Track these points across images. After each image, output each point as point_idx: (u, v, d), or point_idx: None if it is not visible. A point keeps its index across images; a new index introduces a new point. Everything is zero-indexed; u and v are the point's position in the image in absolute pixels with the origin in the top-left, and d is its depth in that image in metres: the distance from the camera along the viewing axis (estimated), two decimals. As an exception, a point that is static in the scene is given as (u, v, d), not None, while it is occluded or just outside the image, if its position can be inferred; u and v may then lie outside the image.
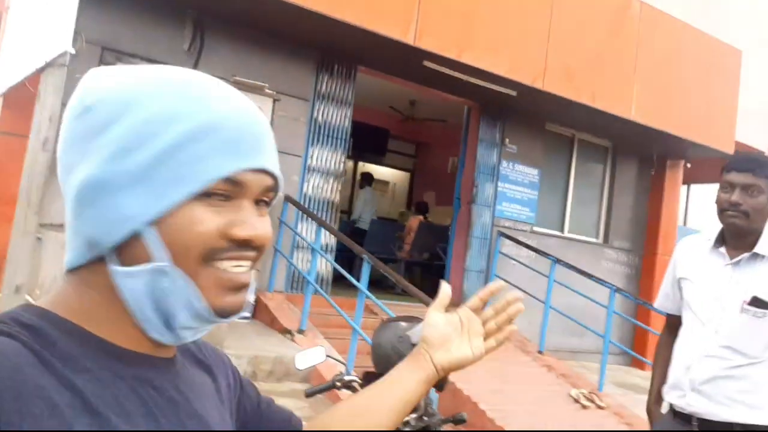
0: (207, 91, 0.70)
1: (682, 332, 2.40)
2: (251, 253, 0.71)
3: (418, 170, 12.99)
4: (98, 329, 0.68)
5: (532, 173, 8.55)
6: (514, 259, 7.94)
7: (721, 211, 2.27)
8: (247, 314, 6.16)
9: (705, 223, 10.57)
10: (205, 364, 0.83)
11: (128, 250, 0.66)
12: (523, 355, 6.88)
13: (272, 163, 0.72)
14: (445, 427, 2.08)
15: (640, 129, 8.11)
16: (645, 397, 2.66)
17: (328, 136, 6.99)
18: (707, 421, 2.22)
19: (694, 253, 2.43)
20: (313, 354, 2.22)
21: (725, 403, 2.19)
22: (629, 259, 9.46)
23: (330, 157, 7.00)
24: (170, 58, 6.02)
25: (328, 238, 6.85)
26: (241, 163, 0.68)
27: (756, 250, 2.24)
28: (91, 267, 0.69)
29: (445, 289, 1.04)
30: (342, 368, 3.85)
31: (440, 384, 2.05)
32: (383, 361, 2.06)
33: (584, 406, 5.90)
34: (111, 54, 5.76)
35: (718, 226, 2.35)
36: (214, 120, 0.67)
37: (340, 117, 7.06)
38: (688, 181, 10.59)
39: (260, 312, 6.28)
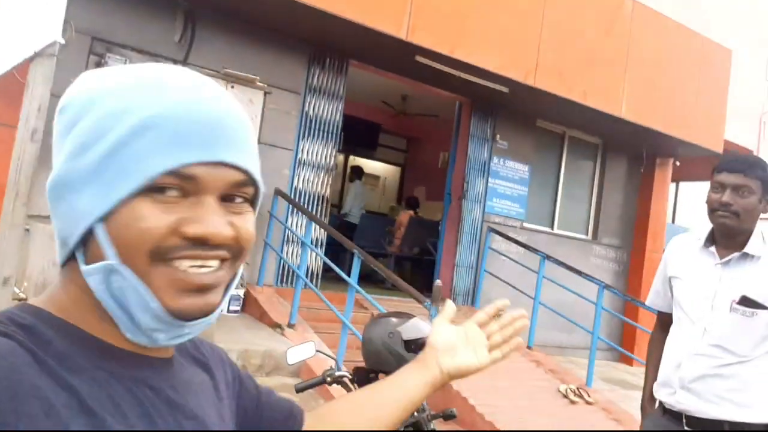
0: (164, 85, 0.67)
1: (672, 330, 2.42)
2: (214, 252, 0.67)
3: (409, 165, 12.99)
4: (91, 328, 0.67)
5: (522, 169, 8.57)
6: (503, 255, 7.97)
7: (712, 211, 2.28)
8: (237, 308, 6.15)
9: (694, 221, 10.66)
10: (203, 362, 0.83)
11: (91, 247, 0.66)
12: (512, 351, 6.90)
13: (236, 157, 0.68)
14: (435, 423, 2.08)
15: (630, 127, 8.15)
16: (633, 393, 2.69)
17: (319, 130, 6.97)
18: (696, 418, 2.24)
19: (684, 252, 2.44)
20: (303, 349, 2.23)
21: (714, 401, 2.21)
22: (618, 255, 9.51)
23: (321, 151, 6.99)
24: (161, 50, 5.98)
25: (318, 232, 6.85)
26: (187, 157, 0.65)
27: (746, 250, 2.26)
28: (74, 264, 0.69)
29: (449, 304, 1.09)
30: (332, 363, 3.84)
31: (449, 414, 2.08)
32: (373, 356, 2.07)
33: (573, 402, 5.94)
34: (101, 44, 5.71)
35: (707, 224, 2.36)
36: (163, 113, 0.65)
37: (331, 111, 7.04)
38: (677, 178, 10.66)
39: (250, 306, 6.27)
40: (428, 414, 2.05)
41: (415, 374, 0.99)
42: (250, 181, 0.70)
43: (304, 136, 6.87)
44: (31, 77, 4.79)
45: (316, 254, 6.64)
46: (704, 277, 2.32)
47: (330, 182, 7.10)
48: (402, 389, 0.97)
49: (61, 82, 5.16)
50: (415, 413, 1.99)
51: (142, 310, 0.65)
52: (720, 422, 2.20)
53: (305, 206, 6.71)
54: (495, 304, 1.07)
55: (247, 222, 0.70)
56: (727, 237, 2.30)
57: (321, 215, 6.89)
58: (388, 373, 1.99)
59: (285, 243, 6.78)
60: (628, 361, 8.52)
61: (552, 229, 8.96)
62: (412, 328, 2.02)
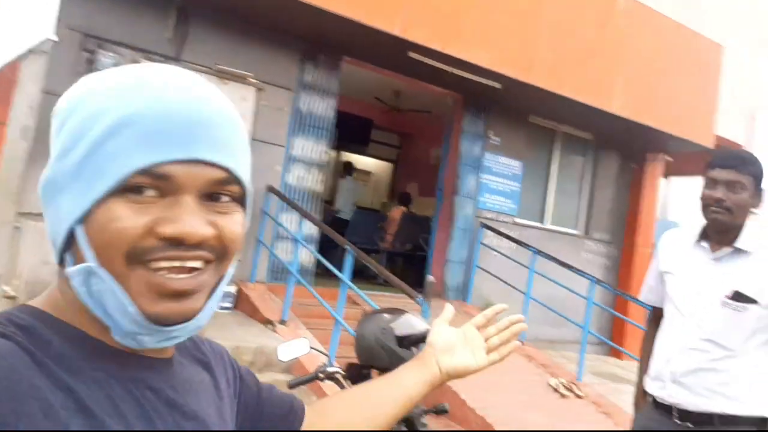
0: (145, 84, 0.66)
1: (664, 325, 2.45)
2: (193, 253, 0.65)
3: (402, 161, 12.98)
4: (89, 329, 0.68)
5: (514, 165, 8.60)
6: (495, 251, 7.99)
7: (705, 207, 2.30)
8: (228, 305, 6.15)
9: (685, 216, 10.72)
10: (203, 361, 0.83)
11: (76, 249, 0.66)
12: (503, 346, 6.93)
13: (217, 155, 0.66)
14: (426, 418, 2.10)
15: (622, 122, 8.18)
16: (622, 386, 2.71)
17: (311, 126, 6.96)
18: (687, 411, 2.27)
19: (677, 247, 2.47)
20: (296, 345, 2.23)
21: (704, 394, 2.24)
22: (609, 250, 9.56)
23: (313, 148, 6.98)
24: (153, 47, 5.95)
25: (310, 229, 6.85)
26: (161, 155, 0.63)
27: (737, 245, 2.28)
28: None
29: (448, 307, 1.12)
30: (324, 359, 3.86)
31: (441, 409, 2.10)
32: (366, 352, 2.08)
33: (563, 396, 5.98)
34: (93, 42, 5.68)
35: (699, 219, 2.38)
36: (140, 111, 0.64)
37: (324, 107, 7.03)
38: (668, 174, 10.70)
39: (242, 302, 6.26)
40: (420, 409, 2.06)
41: (414, 372, 1.00)
42: (234, 179, 0.68)
43: (296, 133, 6.86)
44: (22, 75, 4.76)
45: (308, 250, 6.64)
46: (697, 272, 2.35)
47: (322, 179, 7.10)
48: (401, 387, 0.99)
49: (52, 80, 5.14)
50: (408, 408, 2.00)
51: (121, 314, 0.64)
52: (710, 415, 2.23)
53: (297, 202, 6.71)
54: (494, 308, 1.10)
55: (231, 221, 0.68)
56: (720, 232, 2.32)
57: (313, 211, 6.89)
58: (380, 368, 2.02)
59: (277, 239, 6.78)
60: (618, 354, 8.57)
61: (543, 225, 8.99)
62: (404, 324, 2.03)
